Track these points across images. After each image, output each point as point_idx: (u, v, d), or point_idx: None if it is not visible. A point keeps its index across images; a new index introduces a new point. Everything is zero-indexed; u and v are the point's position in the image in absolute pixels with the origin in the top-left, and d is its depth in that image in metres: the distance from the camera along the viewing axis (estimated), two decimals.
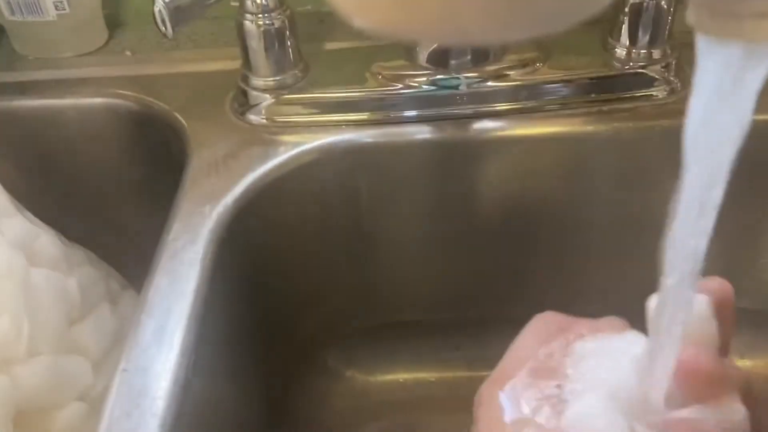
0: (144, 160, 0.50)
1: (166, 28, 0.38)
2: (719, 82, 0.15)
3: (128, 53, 0.54)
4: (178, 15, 0.38)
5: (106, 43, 0.55)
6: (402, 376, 0.53)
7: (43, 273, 0.37)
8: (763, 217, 0.48)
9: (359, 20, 0.12)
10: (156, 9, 0.38)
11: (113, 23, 0.56)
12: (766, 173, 0.45)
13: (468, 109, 0.45)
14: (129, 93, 0.50)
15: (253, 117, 0.46)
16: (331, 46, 0.50)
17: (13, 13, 0.51)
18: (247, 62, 0.45)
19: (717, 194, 0.18)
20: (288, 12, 0.43)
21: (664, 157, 0.44)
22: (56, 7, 0.51)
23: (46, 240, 0.39)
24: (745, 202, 0.47)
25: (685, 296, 0.21)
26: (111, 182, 0.51)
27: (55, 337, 0.36)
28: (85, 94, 0.50)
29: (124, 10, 0.57)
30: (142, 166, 0.51)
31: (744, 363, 0.52)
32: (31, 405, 0.34)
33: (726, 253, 0.50)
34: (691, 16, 0.15)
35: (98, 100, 0.50)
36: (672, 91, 0.45)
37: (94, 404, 0.37)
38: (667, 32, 0.44)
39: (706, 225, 0.19)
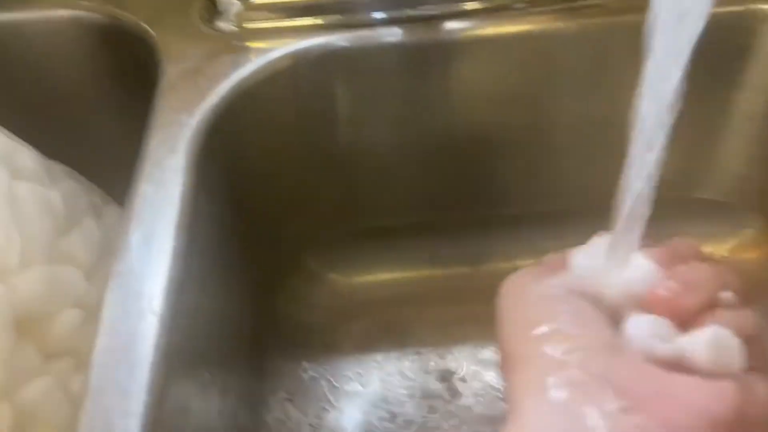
0: (114, 72, 0.50)
1: None
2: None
3: None
4: None
5: None
6: (381, 276, 0.56)
7: (28, 186, 0.37)
8: (722, 109, 0.49)
9: None
10: None
11: None
12: (726, 64, 0.46)
13: (437, 9, 0.45)
14: (94, 4, 0.48)
15: (222, 24, 0.45)
16: None
17: None
18: None
19: (677, 76, 0.19)
20: None
21: (633, 53, 0.45)
22: None
23: (26, 155, 0.40)
24: (703, 94, 0.48)
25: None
26: (81, 97, 0.50)
27: (45, 248, 0.37)
28: (50, 5, 0.49)
29: None
30: (112, 79, 0.50)
31: (704, 249, 0.55)
32: (29, 313, 0.35)
33: (682, 143, 0.52)
34: None
35: (64, 13, 0.48)
36: None
37: (89, 311, 0.38)
38: None
39: (666, 110, 0.20)
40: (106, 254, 0.42)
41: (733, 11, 0.44)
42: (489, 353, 0.51)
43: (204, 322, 0.38)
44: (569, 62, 0.47)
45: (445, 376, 0.50)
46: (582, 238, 0.29)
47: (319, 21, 0.45)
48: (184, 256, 0.35)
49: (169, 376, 0.32)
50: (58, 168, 0.44)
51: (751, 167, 0.52)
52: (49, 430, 0.35)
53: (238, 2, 0.45)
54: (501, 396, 0.49)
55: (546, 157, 0.52)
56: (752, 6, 0.44)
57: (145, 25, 0.47)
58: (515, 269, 0.29)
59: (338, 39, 0.44)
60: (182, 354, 0.34)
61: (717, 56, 0.46)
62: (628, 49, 0.45)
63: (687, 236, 0.56)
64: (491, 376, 0.50)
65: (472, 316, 0.50)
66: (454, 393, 0.49)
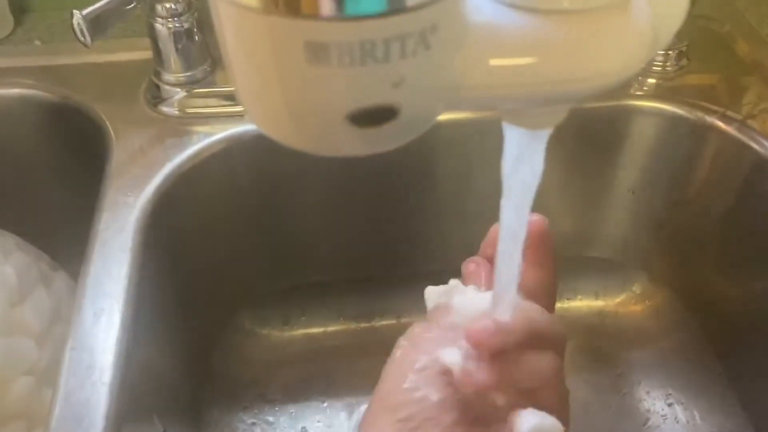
0: (63, 147, 0.54)
1: (85, 38, 0.42)
2: (517, 144, 0.23)
3: (37, 42, 0.56)
4: (96, 26, 0.42)
5: (13, 31, 0.57)
6: (311, 330, 0.61)
7: None
8: (607, 183, 0.57)
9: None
10: (74, 21, 0.41)
11: (18, 10, 0.58)
12: (608, 147, 0.54)
13: None
14: (43, 84, 0.53)
15: (166, 109, 0.50)
16: None
17: None
18: (158, 59, 0.49)
19: (526, 212, 0.26)
20: (196, 15, 0.48)
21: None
22: None
23: None
24: (592, 171, 0.56)
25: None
26: (33, 170, 0.54)
27: (0, 320, 0.41)
28: (1, 84, 0.52)
29: None
30: (62, 153, 0.54)
31: (597, 302, 0.63)
32: None
33: (577, 212, 0.59)
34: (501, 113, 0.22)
35: (14, 91, 0.52)
36: None
37: (41, 377, 0.42)
38: None
39: (521, 236, 0.26)
40: (56, 320, 0.46)
41: (610, 105, 0.52)
42: None
43: (149, 384, 0.42)
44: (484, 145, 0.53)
45: None
46: None
47: None
48: (131, 328, 0.39)
49: None
50: (10, 240, 0.47)
51: (636, 231, 0.60)
52: None
53: (180, 90, 0.50)
54: None
55: (460, 223, 0.59)
56: (624, 102, 0.52)
57: (94, 105, 0.51)
58: None
59: None
60: (130, 416, 0.38)
61: (600, 141, 0.55)
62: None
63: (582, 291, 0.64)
64: None
65: None
66: None
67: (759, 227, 0.50)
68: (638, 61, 0.18)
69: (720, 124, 0.50)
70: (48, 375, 0.43)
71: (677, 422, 0.56)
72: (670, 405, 0.57)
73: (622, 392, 0.58)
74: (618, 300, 0.63)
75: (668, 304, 0.61)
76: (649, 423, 0.56)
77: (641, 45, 0.18)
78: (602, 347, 0.62)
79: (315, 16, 0.15)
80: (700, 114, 0.51)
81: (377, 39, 0.15)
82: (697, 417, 0.56)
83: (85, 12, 0.41)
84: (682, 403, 0.57)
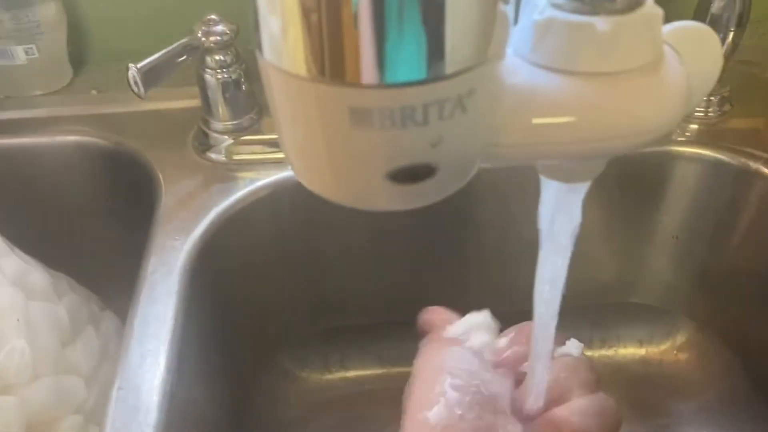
0: (114, 192, 0.56)
1: (139, 90, 0.44)
2: (556, 196, 0.23)
3: (94, 92, 0.59)
4: (149, 77, 0.44)
5: (72, 81, 0.60)
6: (350, 373, 0.61)
7: (39, 305, 0.43)
8: (650, 228, 0.57)
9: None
10: (130, 74, 0.43)
11: (77, 61, 0.61)
12: (650, 192, 0.54)
13: None
14: (98, 131, 0.55)
15: (214, 155, 0.52)
16: None
17: None
18: (207, 108, 0.51)
19: (564, 263, 0.26)
20: (244, 66, 0.50)
21: None
22: (26, 53, 0.56)
23: (38, 275, 0.45)
24: (635, 217, 0.56)
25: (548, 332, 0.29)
26: (86, 213, 0.56)
27: (52, 360, 0.42)
28: (57, 132, 0.55)
29: (87, 48, 0.62)
30: (113, 197, 0.56)
31: (641, 350, 0.62)
32: (37, 420, 0.40)
33: (621, 257, 0.59)
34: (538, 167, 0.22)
35: (71, 138, 0.55)
36: None
37: (88, 416, 0.43)
38: None
39: (559, 283, 0.27)
40: (104, 360, 0.47)
41: (653, 152, 0.52)
42: None
43: (192, 423, 0.43)
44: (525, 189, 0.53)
45: None
46: None
47: None
48: (176, 370, 0.40)
49: None
50: (63, 282, 0.49)
51: (679, 277, 0.59)
52: None
53: (228, 137, 0.52)
54: None
55: (499, 267, 0.59)
56: (666, 148, 0.52)
57: (144, 152, 0.53)
58: None
59: None
60: None
61: (643, 187, 0.54)
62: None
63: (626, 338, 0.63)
64: None
65: None
66: None
67: None
68: (672, 119, 0.19)
69: (764, 169, 0.49)
70: (95, 414, 0.44)
71: None
72: None
73: None
74: (663, 347, 0.62)
75: (714, 351, 0.60)
76: None
77: (675, 103, 0.19)
78: (648, 397, 0.61)
79: (358, 84, 0.16)
80: (743, 160, 0.50)
81: (417, 104, 0.16)
82: None
83: (139, 65, 0.44)
84: None
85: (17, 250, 0.46)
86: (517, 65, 0.19)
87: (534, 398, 0.31)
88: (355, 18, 0.15)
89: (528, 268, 0.59)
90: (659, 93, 0.18)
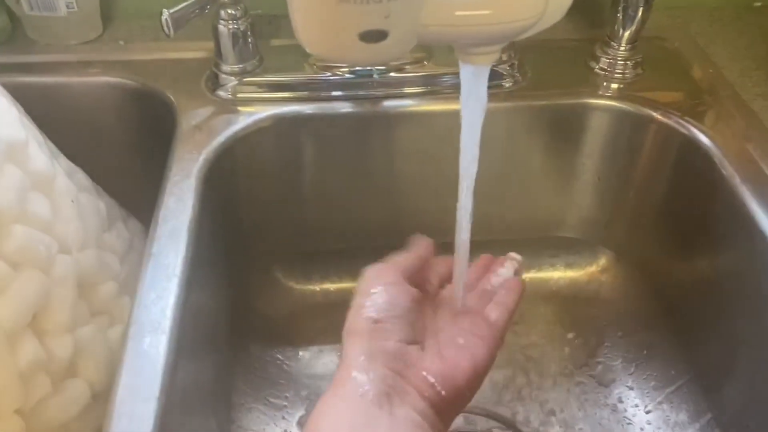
0: (139, 123, 0.68)
1: (169, 31, 0.55)
2: (468, 82, 0.35)
3: (121, 42, 0.70)
4: (178, 21, 0.56)
5: (102, 34, 0.71)
6: (330, 286, 0.73)
7: (86, 196, 0.54)
8: (572, 170, 0.69)
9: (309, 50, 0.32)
10: (163, 18, 0.55)
11: (106, 17, 0.72)
12: (571, 137, 0.67)
13: (379, 92, 0.64)
14: (125, 73, 0.67)
15: (222, 93, 0.64)
16: (278, 42, 0.69)
17: (32, 9, 0.67)
18: (218, 53, 0.63)
19: (476, 141, 0.38)
20: (249, 19, 0.62)
21: (504, 128, 0.65)
22: (67, 6, 0.67)
23: (82, 175, 0.57)
24: (559, 160, 0.69)
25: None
26: (116, 141, 0.68)
27: (95, 238, 0.54)
28: (91, 74, 0.67)
29: (115, 7, 0.73)
30: (140, 127, 0.68)
31: (567, 273, 0.75)
32: (85, 280, 0.51)
33: (548, 197, 0.72)
34: (456, 52, 0.35)
35: (102, 79, 0.66)
36: (515, 82, 0.66)
37: (121, 285, 0.55)
38: None
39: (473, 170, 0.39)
40: (131, 249, 0.59)
41: (575, 102, 0.65)
42: None
43: (200, 312, 0.54)
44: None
45: None
46: None
47: (293, 95, 0.64)
48: (193, 250, 0.52)
49: (180, 353, 0.48)
50: (99, 188, 0.60)
51: (597, 212, 0.72)
52: (93, 362, 0.50)
53: (234, 78, 0.63)
54: None
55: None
56: (586, 100, 0.65)
57: (165, 91, 0.65)
58: None
59: (304, 108, 0.63)
60: (188, 332, 0.49)
61: (568, 134, 0.67)
62: (505, 125, 0.65)
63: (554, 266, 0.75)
64: None
65: None
66: None
67: (694, 201, 0.62)
68: (537, 14, 0.31)
69: (660, 117, 0.63)
70: (126, 285, 0.55)
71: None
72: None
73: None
74: (586, 272, 0.75)
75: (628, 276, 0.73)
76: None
77: (537, 5, 0.31)
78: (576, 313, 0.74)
79: None
80: (645, 109, 0.63)
81: None
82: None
83: (171, 11, 0.55)
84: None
85: (63, 156, 0.58)
86: None
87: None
88: None
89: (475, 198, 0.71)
90: None
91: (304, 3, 0.30)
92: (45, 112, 0.60)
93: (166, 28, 0.56)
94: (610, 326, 0.71)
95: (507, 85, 0.65)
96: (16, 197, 0.45)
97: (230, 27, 0.61)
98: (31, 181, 0.48)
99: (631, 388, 0.66)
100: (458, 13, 0.30)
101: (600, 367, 0.68)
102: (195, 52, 0.69)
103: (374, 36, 0.29)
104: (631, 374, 0.67)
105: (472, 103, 0.36)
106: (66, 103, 0.66)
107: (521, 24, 0.31)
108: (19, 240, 0.45)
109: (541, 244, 0.74)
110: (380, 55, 0.31)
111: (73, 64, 0.67)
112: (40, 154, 0.50)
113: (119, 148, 0.68)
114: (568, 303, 0.73)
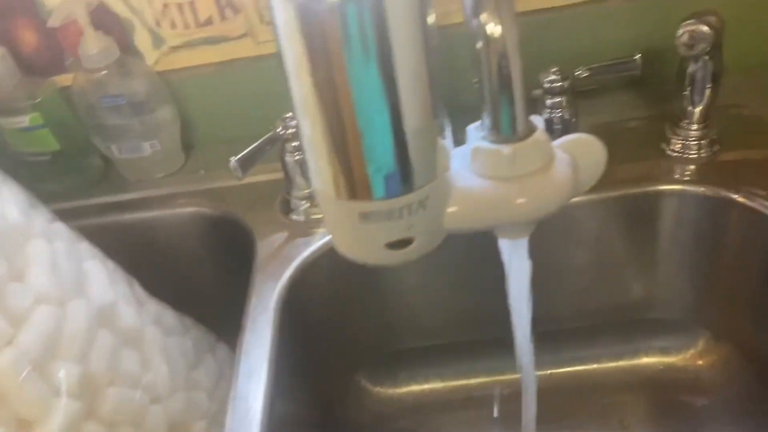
0: (221, 249, 0.72)
1: (238, 174, 0.59)
2: (508, 249, 0.36)
3: (202, 171, 0.75)
4: (245, 165, 0.59)
5: (184, 164, 0.77)
6: (416, 388, 0.74)
7: (173, 339, 0.58)
8: (659, 253, 0.67)
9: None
10: (231, 164, 0.59)
11: (187, 146, 0.78)
12: (653, 228, 0.64)
13: None
14: (207, 202, 0.71)
15: (295, 216, 0.67)
16: None
17: (121, 153, 0.73)
18: (288, 181, 0.66)
19: (526, 296, 0.38)
20: None
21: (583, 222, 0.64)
22: (151, 147, 0.72)
23: (170, 316, 0.61)
24: (644, 243, 0.66)
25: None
26: (200, 268, 0.72)
27: (183, 379, 0.57)
28: (177, 205, 0.71)
29: (194, 137, 0.78)
30: (220, 253, 0.72)
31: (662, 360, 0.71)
32: (175, 424, 0.54)
33: (642, 279, 0.69)
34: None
35: (186, 210, 0.71)
36: None
37: (211, 421, 0.58)
38: None
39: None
40: (220, 379, 0.62)
41: (647, 190, 0.63)
42: None
43: (288, 427, 0.57)
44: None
45: None
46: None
47: None
48: (274, 384, 0.54)
49: None
50: (187, 320, 0.64)
51: (695, 293, 0.69)
52: None
53: (305, 202, 0.66)
54: None
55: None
56: (658, 187, 0.62)
57: (243, 217, 0.69)
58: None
59: None
60: None
61: (648, 220, 0.65)
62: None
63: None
64: None
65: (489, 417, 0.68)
66: None
67: None
68: (558, 201, 0.31)
69: (741, 200, 0.59)
70: (216, 420, 0.58)
71: None
72: None
73: None
74: (684, 356, 0.71)
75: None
76: None
77: (560, 192, 0.31)
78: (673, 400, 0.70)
79: (362, 199, 0.29)
80: (723, 192, 0.60)
81: (395, 208, 0.29)
82: None
83: (237, 158, 0.59)
84: None
85: (153, 298, 0.62)
86: (462, 174, 0.32)
87: None
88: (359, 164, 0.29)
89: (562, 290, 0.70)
90: (547, 187, 0.31)
91: (332, 219, 0.31)
92: (137, 245, 0.65)
93: (235, 172, 0.59)
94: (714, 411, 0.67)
95: None
96: (108, 361, 0.49)
97: (296, 157, 0.64)
98: (121, 340, 0.52)
99: None
100: (481, 216, 0.30)
101: None
102: (267, 174, 0.72)
103: (401, 244, 0.30)
104: None
105: (515, 265, 0.36)
106: (155, 234, 0.71)
107: (551, 209, 0.31)
108: (113, 401, 0.49)
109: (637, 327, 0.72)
110: (410, 255, 0.31)
111: (161, 198, 0.73)
112: (128, 309, 0.54)
113: (205, 273, 0.73)
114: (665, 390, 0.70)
